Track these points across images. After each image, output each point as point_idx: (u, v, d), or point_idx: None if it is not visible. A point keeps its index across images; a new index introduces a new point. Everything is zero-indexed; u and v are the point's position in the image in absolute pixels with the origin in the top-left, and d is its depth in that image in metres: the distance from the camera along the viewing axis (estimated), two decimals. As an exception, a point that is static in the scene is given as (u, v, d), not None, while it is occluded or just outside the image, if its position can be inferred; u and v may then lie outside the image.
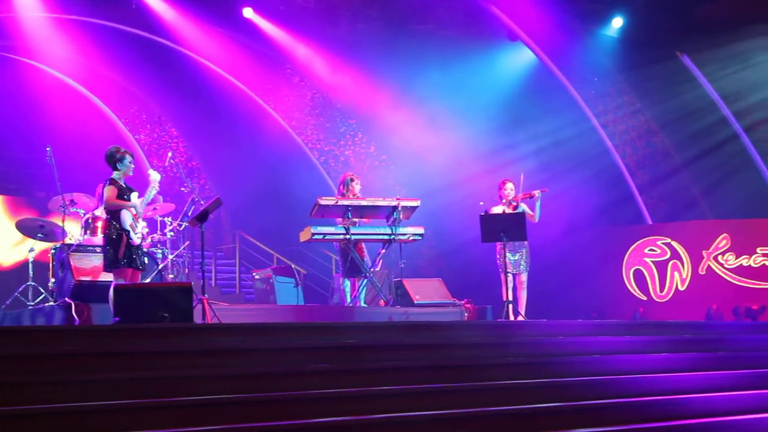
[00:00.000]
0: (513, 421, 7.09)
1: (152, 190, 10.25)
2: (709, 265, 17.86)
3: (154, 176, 10.30)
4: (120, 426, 6.08)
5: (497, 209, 12.26)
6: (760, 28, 18.69)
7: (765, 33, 18.68)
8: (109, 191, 9.93)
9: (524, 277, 12.11)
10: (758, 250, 17.74)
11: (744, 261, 17.77)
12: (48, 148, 12.23)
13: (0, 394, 6.20)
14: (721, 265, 17.81)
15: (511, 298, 11.89)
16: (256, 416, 6.50)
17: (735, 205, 19.21)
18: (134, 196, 10.13)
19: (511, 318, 11.67)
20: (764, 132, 19.43)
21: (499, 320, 11.70)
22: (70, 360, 7.02)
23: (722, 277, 17.79)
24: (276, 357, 7.74)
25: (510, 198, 12.24)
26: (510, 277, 11.97)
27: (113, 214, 9.91)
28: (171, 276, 13.05)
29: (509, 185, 12.35)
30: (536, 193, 12.23)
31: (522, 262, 12.09)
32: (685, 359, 9.01)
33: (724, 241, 17.85)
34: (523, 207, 12.19)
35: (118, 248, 9.84)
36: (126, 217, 9.86)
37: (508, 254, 11.90)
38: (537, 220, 12.23)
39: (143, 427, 6.11)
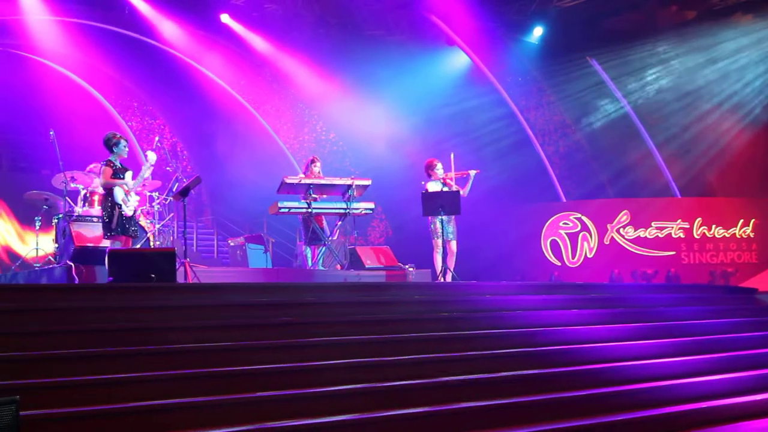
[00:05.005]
0: (446, 364, 7.10)
1: (148, 169, 10.24)
2: (612, 237, 18.08)
3: (151, 157, 10.28)
4: (112, 370, 6.01)
5: (433, 185, 12.03)
6: (656, 37, 18.98)
7: (659, 39, 18.96)
8: (104, 172, 10.00)
9: (454, 244, 11.91)
10: (652, 224, 18.00)
11: (641, 233, 18.01)
12: (51, 132, 12.07)
13: (9, 343, 6.11)
14: (623, 236, 18.04)
15: (441, 261, 11.83)
16: (230, 362, 6.45)
17: (634, 186, 19.46)
18: (128, 174, 10.08)
19: (442, 279, 11.65)
20: (659, 126, 19.68)
21: (437, 281, 11.68)
22: (70, 313, 6.94)
23: (623, 246, 18.02)
24: (248, 312, 7.69)
25: (442, 176, 11.97)
26: (440, 243, 11.83)
27: (108, 191, 9.91)
28: (158, 243, 12.92)
29: (439, 165, 12.07)
30: (471, 172, 12.00)
31: (453, 231, 11.88)
32: (592, 314, 9.08)
33: (625, 217, 18.07)
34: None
35: (112, 219, 9.90)
36: (118, 192, 9.87)
37: (445, 225, 11.79)
38: (466, 195, 12.00)
39: (132, 370, 6.05)
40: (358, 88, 19.20)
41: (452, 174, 11.94)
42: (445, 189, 11.84)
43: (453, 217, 11.82)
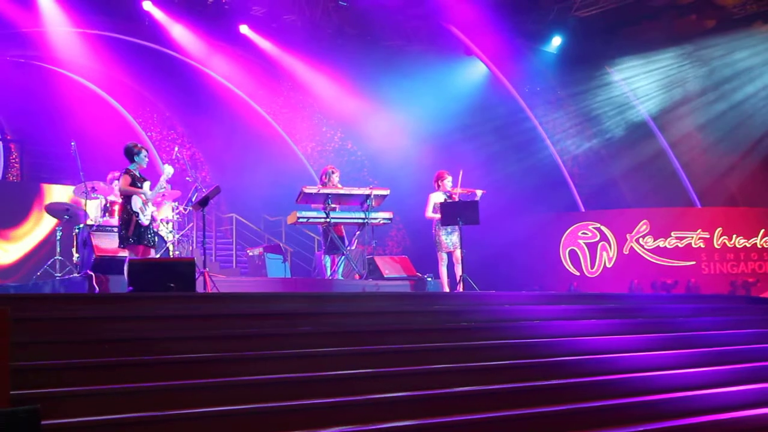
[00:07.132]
0: (466, 374, 7.09)
1: (164, 181, 10.30)
2: (631, 246, 17.99)
3: (168, 170, 10.40)
4: (132, 379, 6.04)
5: (437, 197, 11.95)
6: (675, 45, 18.97)
7: (678, 48, 18.96)
8: (123, 180, 10.14)
9: (458, 252, 11.83)
10: (672, 233, 17.90)
11: (660, 243, 17.91)
12: (73, 143, 12.18)
13: (30, 352, 6.14)
14: (642, 246, 17.94)
15: (446, 273, 11.79)
16: (250, 371, 6.47)
17: (653, 196, 19.38)
18: (146, 185, 10.17)
19: (447, 289, 11.63)
20: (677, 133, 19.63)
21: (455, 291, 11.65)
22: (90, 322, 6.97)
23: (642, 256, 17.92)
24: (267, 321, 7.70)
25: (449, 189, 11.95)
26: (444, 255, 11.83)
27: (126, 199, 10.02)
28: (177, 252, 12.98)
29: (449, 178, 12.03)
30: (478, 192, 11.95)
31: (458, 241, 11.79)
32: (611, 324, 9.03)
33: (644, 226, 17.97)
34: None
35: (128, 227, 10.01)
36: (136, 201, 9.97)
37: (448, 235, 11.75)
38: None
39: (152, 380, 6.07)
40: (376, 98, 19.23)
41: (458, 190, 11.93)
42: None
43: (457, 228, 11.73)
